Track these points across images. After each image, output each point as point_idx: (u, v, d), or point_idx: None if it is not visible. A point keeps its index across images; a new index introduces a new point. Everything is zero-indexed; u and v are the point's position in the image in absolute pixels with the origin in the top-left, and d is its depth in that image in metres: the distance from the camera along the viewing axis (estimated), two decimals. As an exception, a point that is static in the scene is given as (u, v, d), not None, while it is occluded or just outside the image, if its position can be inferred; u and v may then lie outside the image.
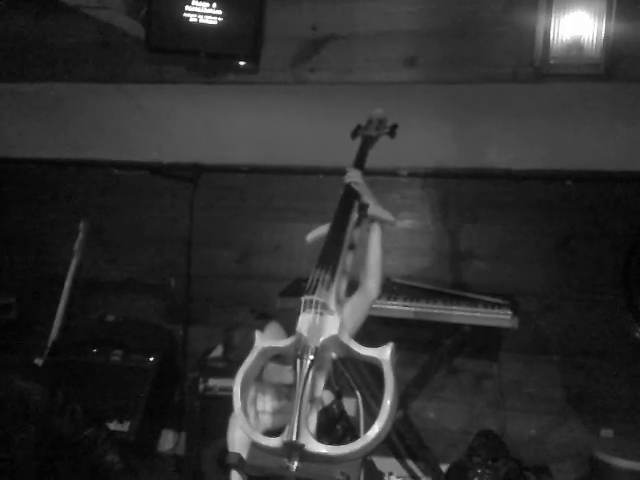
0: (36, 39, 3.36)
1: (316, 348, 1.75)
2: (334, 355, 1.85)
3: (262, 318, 2.22)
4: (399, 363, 1.74)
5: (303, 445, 1.62)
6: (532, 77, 2.84)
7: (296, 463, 1.63)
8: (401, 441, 3.84)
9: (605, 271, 3.71)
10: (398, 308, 3.42)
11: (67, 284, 4.01)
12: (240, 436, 1.93)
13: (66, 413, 2.83)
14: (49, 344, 3.93)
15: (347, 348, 1.81)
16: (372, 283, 2.15)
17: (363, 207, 2.15)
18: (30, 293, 4.44)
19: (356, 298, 2.12)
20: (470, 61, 2.93)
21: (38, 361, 3.85)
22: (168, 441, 4.19)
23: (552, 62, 2.77)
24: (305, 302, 1.85)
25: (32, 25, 3.37)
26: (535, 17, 2.78)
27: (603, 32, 2.69)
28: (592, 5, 2.69)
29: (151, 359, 3.98)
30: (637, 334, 3.62)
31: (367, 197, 2.17)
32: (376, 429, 1.63)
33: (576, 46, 2.72)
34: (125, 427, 3.74)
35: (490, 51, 2.88)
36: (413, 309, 3.41)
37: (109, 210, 4.40)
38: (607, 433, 3.70)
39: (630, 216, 3.65)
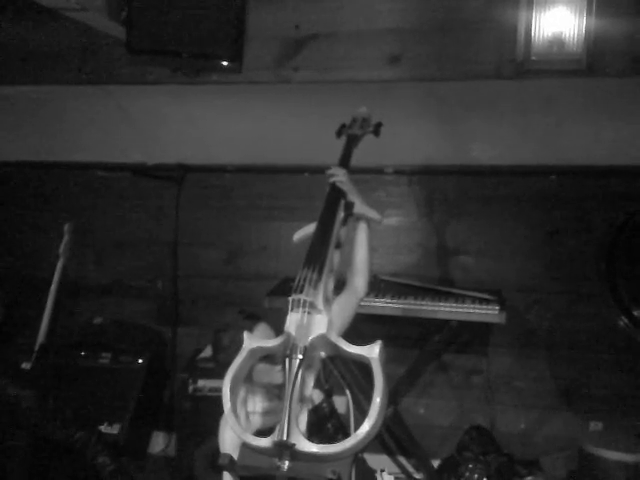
0: (16, 42, 3.33)
1: (305, 347, 1.75)
2: (323, 354, 1.85)
3: (251, 318, 2.23)
4: (388, 360, 1.74)
5: (294, 444, 1.63)
6: (514, 73, 2.85)
7: (287, 462, 1.63)
8: (392, 438, 3.85)
9: (590, 264, 3.73)
10: (386, 305, 3.42)
11: (53, 287, 3.97)
12: (231, 437, 1.93)
13: (57, 418, 2.82)
14: (37, 348, 3.90)
15: (336, 347, 1.81)
16: (360, 281, 2.15)
17: (349, 206, 2.15)
18: (16, 297, 4.41)
19: (344, 296, 2.12)
20: (453, 58, 2.93)
21: (26, 365, 3.83)
22: (159, 443, 4.18)
23: (534, 58, 2.78)
24: (293, 301, 1.85)
25: (11, 28, 3.34)
26: (516, 14, 2.79)
27: (584, 28, 2.71)
28: (572, 1, 2.70)
29: (140, 361, 3.96)
30: (622, 323, 3.64)
31: (353, 195, 2.17)
32: (366, 427, 1.64)
33: (557, 42, 2.74)
34: (115, 429, 3.72)
35: (472, 48, 2.89)
36: (401, 306, 3.42)
37: (94, 212, 4.38)
38: (596, 425, 3.72)
39: (613, 209, 3.68)
